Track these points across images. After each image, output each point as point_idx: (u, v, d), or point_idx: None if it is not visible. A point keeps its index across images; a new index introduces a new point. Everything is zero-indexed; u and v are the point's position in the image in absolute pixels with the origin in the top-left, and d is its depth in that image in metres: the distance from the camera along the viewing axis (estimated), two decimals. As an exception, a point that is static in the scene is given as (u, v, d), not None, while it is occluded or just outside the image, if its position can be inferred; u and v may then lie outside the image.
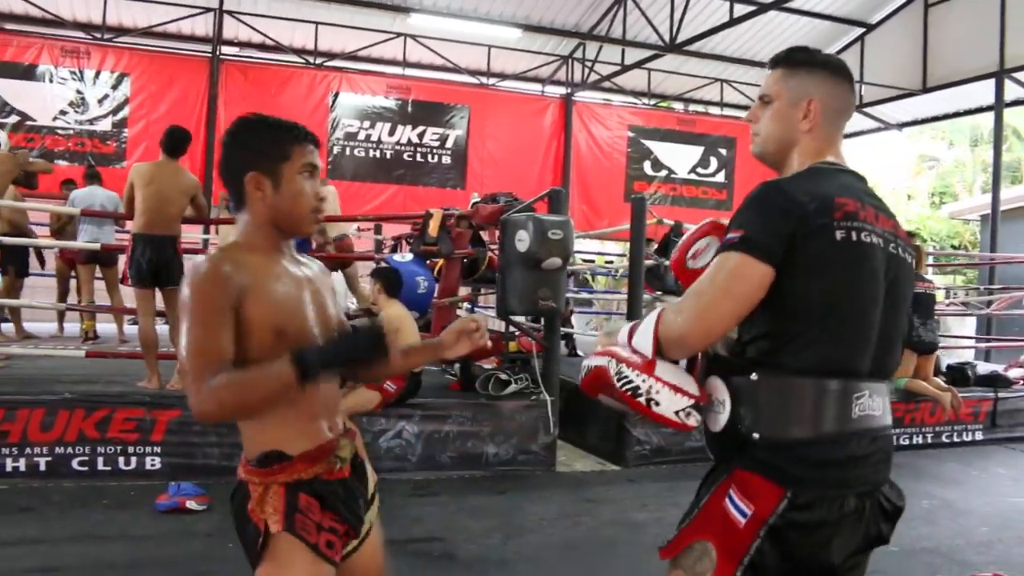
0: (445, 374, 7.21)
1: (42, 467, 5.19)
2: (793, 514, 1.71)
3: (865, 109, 15.84)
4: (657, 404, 1.76)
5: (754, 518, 1.72)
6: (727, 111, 17.40)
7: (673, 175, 16.31)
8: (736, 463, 1.79)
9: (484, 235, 7.68)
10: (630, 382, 1.78)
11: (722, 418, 1.81)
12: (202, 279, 1.87)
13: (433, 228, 6.56)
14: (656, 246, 7.76)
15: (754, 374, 1.77)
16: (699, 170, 16.49)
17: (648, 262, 6.91)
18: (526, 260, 5.68)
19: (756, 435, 1.76)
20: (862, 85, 15.04)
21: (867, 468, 1.80)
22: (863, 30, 15.18)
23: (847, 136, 17.72)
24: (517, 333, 6.89)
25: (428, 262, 6.79)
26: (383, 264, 6.19)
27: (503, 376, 6.13)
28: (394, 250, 7.28)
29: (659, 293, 7.69)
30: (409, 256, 6.51)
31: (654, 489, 5.72)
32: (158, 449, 5.31)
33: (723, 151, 16.62)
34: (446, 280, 7.20)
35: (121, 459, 5.27)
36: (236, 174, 1.98)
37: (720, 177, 16.64)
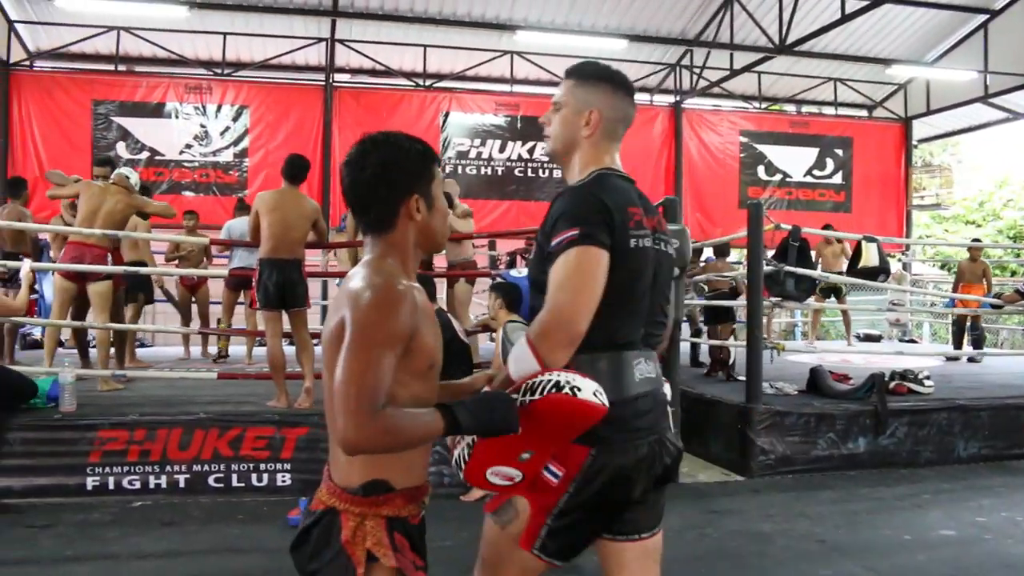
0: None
1: (182, 484, 5.43)
2: (597, 466, 2.06)
3: (991, 100, 15.14)
4: (579, 390, 1.85)
5: (565, 477, 2.06)
6: (842, 111, 16.93)
7: (788, 179, 15.96)
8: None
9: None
10: (550, 382, 1.86)
11: None
12: (390, 300, 1.72)
13: (549, 240, 6.60)
14: (774, 252, 7.61)
15: (580, 354, 2.04)
16: (815, 172, 16.08)
17: (767, 268, 6.77)
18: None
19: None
20: (987, 75, 14.43)
21: (651, 419, 2.17)
22: (986, 16, 14.53)
23: (971, 129, 17.10)
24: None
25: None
26: (499, 279, 6.25)
27: (622, 387, 6.09)
28: (510, 265, 7.34)
29: (779, 299, 7.53)
30: (525, 271, 6.56)
31: (780, 499, 5.59)
32: (288, 466, 5.49)
33: (839, 152, 16.16)
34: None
35: (254, 476, 5.47)
36: (393, 195, 1.86)
37: (837, 178, 16.19)
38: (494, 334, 6.57)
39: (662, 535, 2.30)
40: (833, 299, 11.08)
